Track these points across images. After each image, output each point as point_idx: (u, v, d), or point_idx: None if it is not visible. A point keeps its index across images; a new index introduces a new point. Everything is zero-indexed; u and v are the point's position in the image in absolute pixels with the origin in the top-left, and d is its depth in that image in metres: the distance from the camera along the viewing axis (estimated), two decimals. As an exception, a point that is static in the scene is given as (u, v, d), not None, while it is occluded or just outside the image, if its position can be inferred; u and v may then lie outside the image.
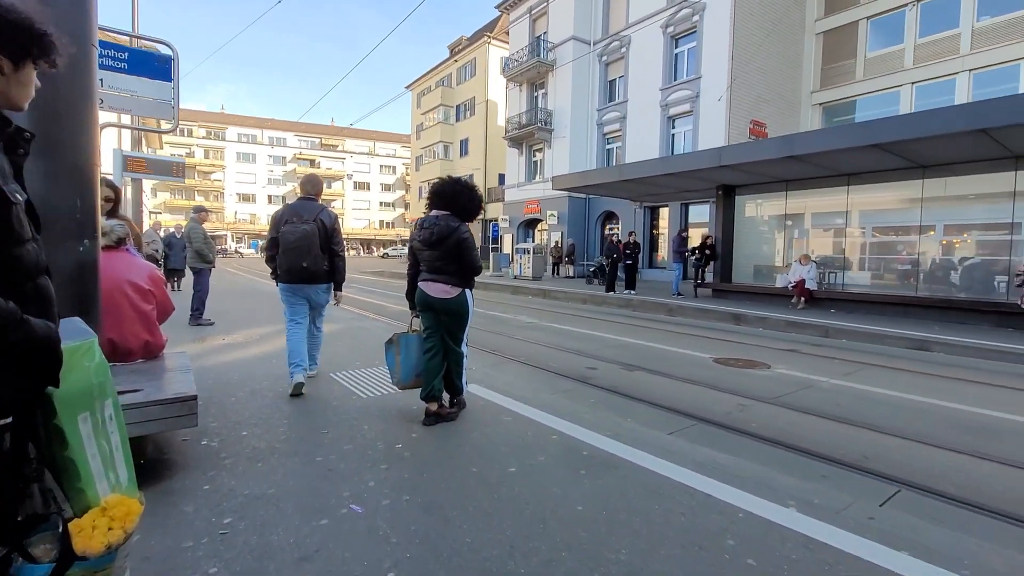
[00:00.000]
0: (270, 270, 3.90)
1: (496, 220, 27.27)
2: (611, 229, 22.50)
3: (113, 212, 3.27)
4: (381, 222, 71.25)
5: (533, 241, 25.18)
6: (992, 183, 9.20)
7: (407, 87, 42.03)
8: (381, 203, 71.03)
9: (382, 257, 54.67)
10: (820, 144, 8.95)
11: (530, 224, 26.14)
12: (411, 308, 3.24)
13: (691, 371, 5.33)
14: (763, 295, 11.55)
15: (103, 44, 4.50)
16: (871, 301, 9.90)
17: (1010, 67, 15.55)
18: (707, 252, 12.68)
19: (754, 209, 13.00)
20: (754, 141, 12.65)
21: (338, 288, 3.98)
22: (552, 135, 23.48)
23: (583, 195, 20.85)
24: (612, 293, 12.67)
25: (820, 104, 19.96)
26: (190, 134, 60.32)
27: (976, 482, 2.78)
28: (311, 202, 3.93)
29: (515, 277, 18.96)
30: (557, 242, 22.46)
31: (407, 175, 62.25)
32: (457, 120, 35.01)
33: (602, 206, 22.06)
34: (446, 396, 3.23)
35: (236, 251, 52.36)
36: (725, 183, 12.30)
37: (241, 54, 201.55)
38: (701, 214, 18.52)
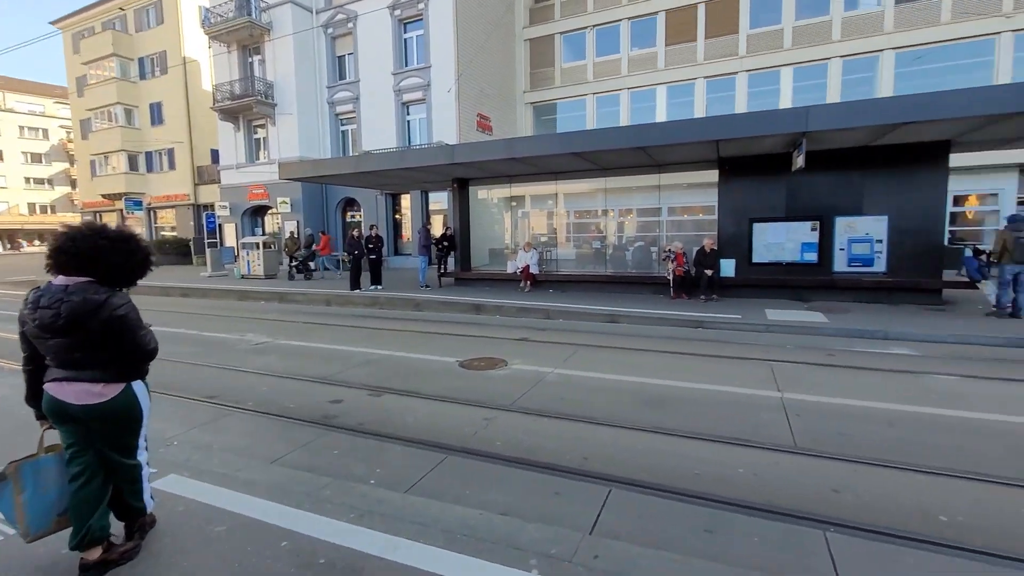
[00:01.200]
0: None
1: (212, 208, 22.89)
2: (352, 216, 21.47)
3: None
4: (32, 205, 52.10)
5: (263, 232, 22.17)
6: (646, 180, 12.04)
7: (55, 23, 30.94)
8: (29, 179, 51.75)
9: None
10: (534, 149, 10.18)
11: (258, 212, 22.84)
12: (38, 418, 2.21)
13: (439, 383, 5.37)
14: (498, 280, 12.74)
15: None
16: (578, 280, 11.96)
17: (649, 90, 20.62)
18: (445, 244, 13.26)
19: (485, 193, 14.15)
20: (481, 142, 13.64)
21: None
22: (276, 110, 20.72)
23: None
24: (358, 291, 12.07)
25: (531, 103, 22.84)
26: None
27: (659, 464, 3.49)
28: None
29: (243, 277, 16.32)
30: (292, 232, 20.19)
31: (69, 142, 46.74)
32: (143, 78, 27.57)
33: (341, 193, 20.76)
34: (118, 524, 2.34)
35: None
36: (459, 177, 12.93)
37: None
38: (441, 200, 19.23)
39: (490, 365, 6.06)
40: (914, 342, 6.86)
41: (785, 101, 18.11)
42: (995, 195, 15.75)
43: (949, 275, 9.54)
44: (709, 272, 9.97)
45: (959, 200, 15.95)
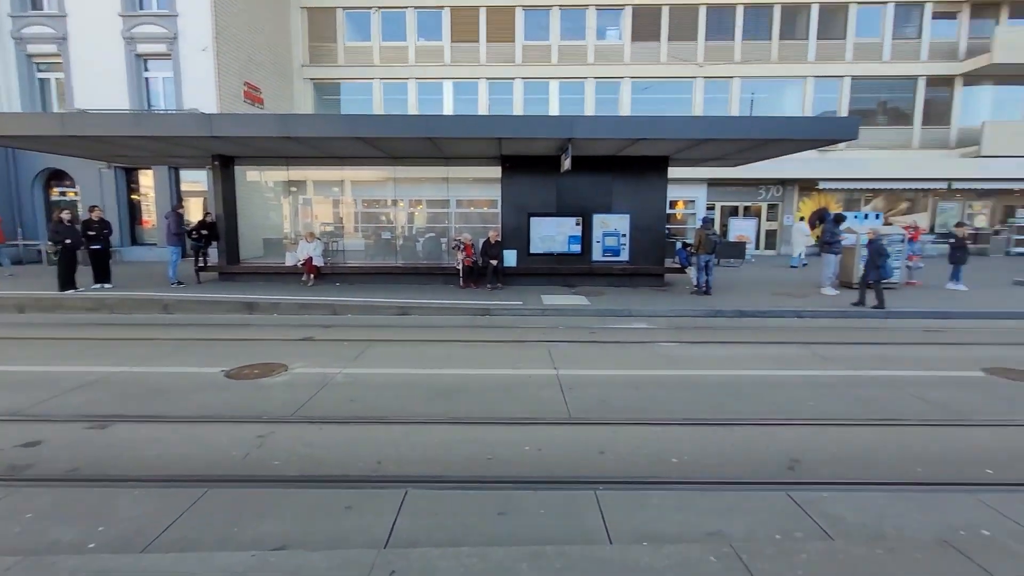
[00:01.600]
0: None
1: None
2: (63, 194, 16.44)
3: None
4: None
5: None
6: (435, 172, 12.18)
7: None
8: None
9: None
10: (315, 130, 9.23)
11: None
12: None
13: (198, 401, 4.46)
14: (275, 274, 11.33)
15: None
16: (367, 272, 11.43)
17: (436, 83, 20.87)
18: (204, 232, 11.17)
19: (258, 175, 12.37)
20: (249, 114, 11.91)
21: None
22: (-91, 34, 14.36)
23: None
24: (72, 292, 9.25)
25: (311, 79, 20.83)
26: None
27: (454, 455, 3.50)
28: None
29: None
30: (-45, 212, 14.40)
31: None
32: None
33: (43, 161, 15.63)
34: None
35: None
36: (221, 153, 10.98)
37: None
38: (198, 178, 16.11)
39: (265, 372, 5.29)
40: (647, 317, 8.49)
41: (553, 109, 20.43)
42: (693, 201, 20.67)
43: (668, 263, 12.12)
44: (494, 262, 10.62)
45: (672, 204, 20.45)
